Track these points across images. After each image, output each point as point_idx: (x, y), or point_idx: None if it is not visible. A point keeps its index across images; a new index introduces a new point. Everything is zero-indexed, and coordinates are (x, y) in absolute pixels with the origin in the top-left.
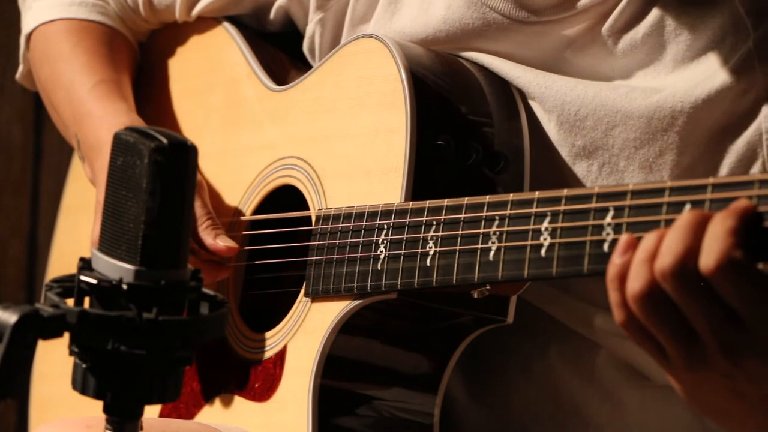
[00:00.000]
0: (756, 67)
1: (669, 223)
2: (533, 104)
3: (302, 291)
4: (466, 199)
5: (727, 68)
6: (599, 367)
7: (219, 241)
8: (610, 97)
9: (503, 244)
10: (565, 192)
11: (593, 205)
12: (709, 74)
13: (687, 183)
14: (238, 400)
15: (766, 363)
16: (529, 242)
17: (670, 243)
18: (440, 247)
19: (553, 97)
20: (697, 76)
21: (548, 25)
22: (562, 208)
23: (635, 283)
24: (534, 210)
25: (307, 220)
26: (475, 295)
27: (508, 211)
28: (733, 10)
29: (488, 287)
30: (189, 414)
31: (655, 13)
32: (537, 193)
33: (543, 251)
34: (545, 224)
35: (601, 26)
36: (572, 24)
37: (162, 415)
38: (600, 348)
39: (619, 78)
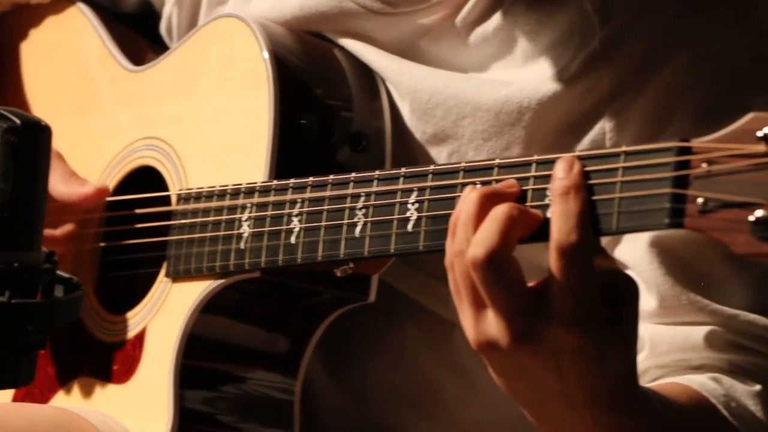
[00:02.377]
0: (599, 66)
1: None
2: (391, 88)
3: (162, 271)
4: (331, 176)
5: (572, 66)
6: (455, 347)
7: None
8: (461, 88)
9: (369, 219)
10: (431, 168)
11: (459, 180)
12: (555, 71)
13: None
14: (96, 384)
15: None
16: (396, 216)
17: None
18: (305, 223)
19: (406, 83)
20: (544, 72)
21: (403, 16)
22: (428, 183)
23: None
24: (401, 186)
25: (167, 201)
26: (338, 274)
27: (375, 188)
28: (581, 7)
29: (351, 265)
30: (43, 399)
31: (505, 6)
32: (403, 169)
33: (410, 226)
34: (412, 198)
35: (455, 17)
36: (427, 14)
37: (15, 400)
38: (455, 327)
39: (474, 69)
